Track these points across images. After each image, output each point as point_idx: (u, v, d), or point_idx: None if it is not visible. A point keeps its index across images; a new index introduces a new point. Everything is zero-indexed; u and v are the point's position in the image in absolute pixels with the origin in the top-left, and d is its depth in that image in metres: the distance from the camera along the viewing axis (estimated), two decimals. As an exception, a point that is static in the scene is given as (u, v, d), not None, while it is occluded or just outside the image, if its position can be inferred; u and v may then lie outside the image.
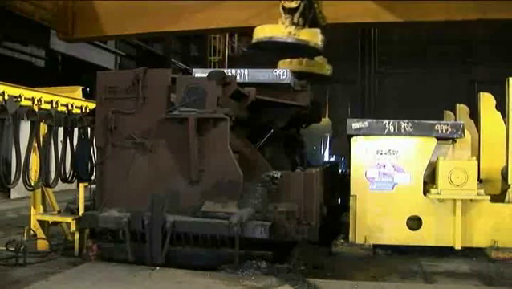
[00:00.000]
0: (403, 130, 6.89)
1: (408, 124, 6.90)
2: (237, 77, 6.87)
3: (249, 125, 7.09)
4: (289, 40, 8.13)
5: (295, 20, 8.27)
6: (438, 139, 6.93)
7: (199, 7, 12.01)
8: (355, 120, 7.07)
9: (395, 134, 6.91)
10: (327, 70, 10.00)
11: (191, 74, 8.15)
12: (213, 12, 12.07)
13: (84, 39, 14.03)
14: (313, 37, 8.26)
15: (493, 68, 15.92)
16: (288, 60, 9.56)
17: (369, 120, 7.02)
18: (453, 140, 7.17)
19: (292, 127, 8.59)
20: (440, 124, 6.99)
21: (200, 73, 6.97)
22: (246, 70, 7.12)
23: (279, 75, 7.11)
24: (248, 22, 11.34)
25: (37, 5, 11.53)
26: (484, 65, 18.11)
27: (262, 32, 8.39)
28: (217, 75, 6.07)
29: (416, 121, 6.93)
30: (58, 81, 10.88)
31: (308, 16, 8.53)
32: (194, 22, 12.44)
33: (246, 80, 7.01)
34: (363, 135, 6.97)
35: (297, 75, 8.38)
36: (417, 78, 18.76)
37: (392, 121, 6.92)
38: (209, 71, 6.47)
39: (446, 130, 6.94)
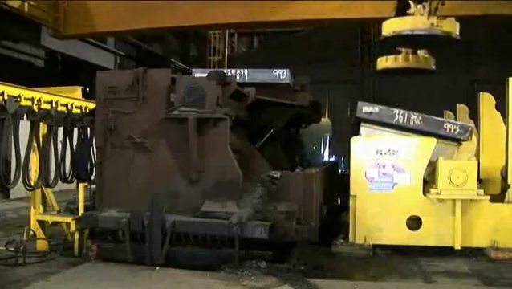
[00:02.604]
0: (412, 122, 6.85)
1: (417, 116, 6.86)
2: (237, 77, 6.89)
3: (249, 125, 7.09)
4: (434, 32, 7.65)
5: (429, 10, 7.79)
6: (441, 138, 6.91)
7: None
8: (366, 103, 7.03)
9: (403, 125, 6.85)
10: (432, 64, 9.66)
11: (191, 74, 8.15)
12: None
13: (76, 36, 13.82)
14: (454, 27, 7.77)
15: (494, 68, 15.87)
16: (392, 57, 9.12)
17: (380, 106, 6.98)
18: (459, 142, 7.12)
19: (292, 127, 8.60)
20: (449, 123, 6.96)
21: (200, 73, 6.99)
22: (246, 70, 7.12)
23: (279, 75, 7.12)
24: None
25: (28, 2, 11.45)
26: (484, 65, 18.04)
27: (400, 25, 7.87)
28: (217, 75, 6.08)
29: (426, 116, 6.90)
30: (58, 81, 10.85)
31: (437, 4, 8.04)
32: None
33: (246, 80, 7.03)
34: (373, 120, 6.93)
35: (402, 71, 8.00)
36: (417, 78, 18.72)
37: (402, 111, 6.88)
38: (209, 71, 6.48)
39: (454, 130, 6.91)
